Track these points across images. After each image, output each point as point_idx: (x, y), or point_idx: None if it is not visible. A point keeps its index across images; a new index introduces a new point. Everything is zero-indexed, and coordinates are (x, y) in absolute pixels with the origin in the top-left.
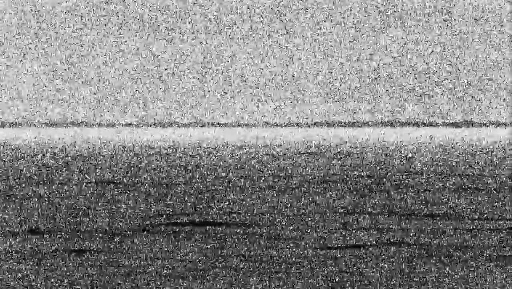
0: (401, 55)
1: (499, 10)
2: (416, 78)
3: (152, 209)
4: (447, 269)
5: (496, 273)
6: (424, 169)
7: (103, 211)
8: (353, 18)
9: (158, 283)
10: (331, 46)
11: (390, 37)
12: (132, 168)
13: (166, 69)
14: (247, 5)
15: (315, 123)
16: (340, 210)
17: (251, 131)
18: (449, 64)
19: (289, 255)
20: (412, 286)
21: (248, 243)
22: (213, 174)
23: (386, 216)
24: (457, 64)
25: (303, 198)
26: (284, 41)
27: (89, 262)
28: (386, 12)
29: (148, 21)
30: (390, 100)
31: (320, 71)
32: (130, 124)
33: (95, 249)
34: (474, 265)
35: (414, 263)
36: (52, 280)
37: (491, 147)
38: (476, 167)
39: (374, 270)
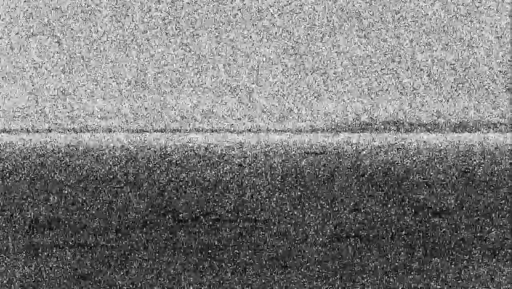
0: (401, 56)
1: (499, 10)
2: (417, 79)
3: (151, 206)
4: (448, 262)
5: (496, 267)
6: (426, 168)
7: (103, 207)
8: (352, 18)
9: (158, 278)
10: (332, 47)
11: (390, 38)
12: (131, 167)
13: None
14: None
15: (318, 127)
16: (347, 204)
17: (262, 136)
18: (449, 65)
19: (293, 249)
20: (415, 277)
21: (255, 237)
22: (215, 172)
23: (390, 211)
24: (457, 64)
25: (310, 194)
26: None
27: (90, 257)
28: (385, 12)
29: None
30: (391, 101)
31: (320, 73)
32: (128, 130)
33: (95, 244)
34: (475, 258)
35: (414, 256)
36: (53, 273)
37: (492, 147)
38: (477, 167)
39: (379, 260)
